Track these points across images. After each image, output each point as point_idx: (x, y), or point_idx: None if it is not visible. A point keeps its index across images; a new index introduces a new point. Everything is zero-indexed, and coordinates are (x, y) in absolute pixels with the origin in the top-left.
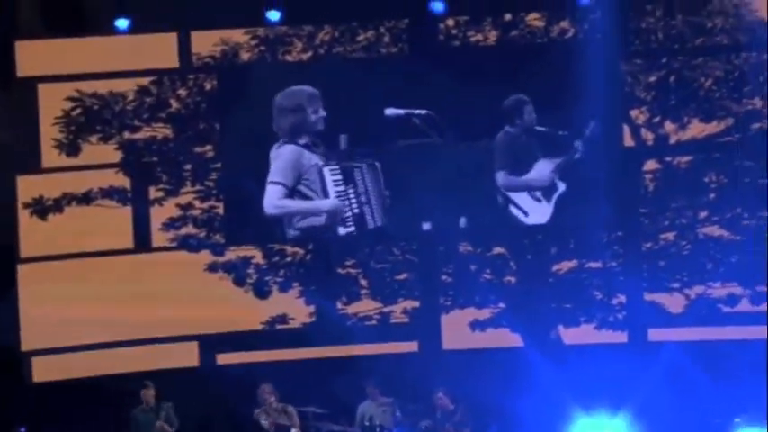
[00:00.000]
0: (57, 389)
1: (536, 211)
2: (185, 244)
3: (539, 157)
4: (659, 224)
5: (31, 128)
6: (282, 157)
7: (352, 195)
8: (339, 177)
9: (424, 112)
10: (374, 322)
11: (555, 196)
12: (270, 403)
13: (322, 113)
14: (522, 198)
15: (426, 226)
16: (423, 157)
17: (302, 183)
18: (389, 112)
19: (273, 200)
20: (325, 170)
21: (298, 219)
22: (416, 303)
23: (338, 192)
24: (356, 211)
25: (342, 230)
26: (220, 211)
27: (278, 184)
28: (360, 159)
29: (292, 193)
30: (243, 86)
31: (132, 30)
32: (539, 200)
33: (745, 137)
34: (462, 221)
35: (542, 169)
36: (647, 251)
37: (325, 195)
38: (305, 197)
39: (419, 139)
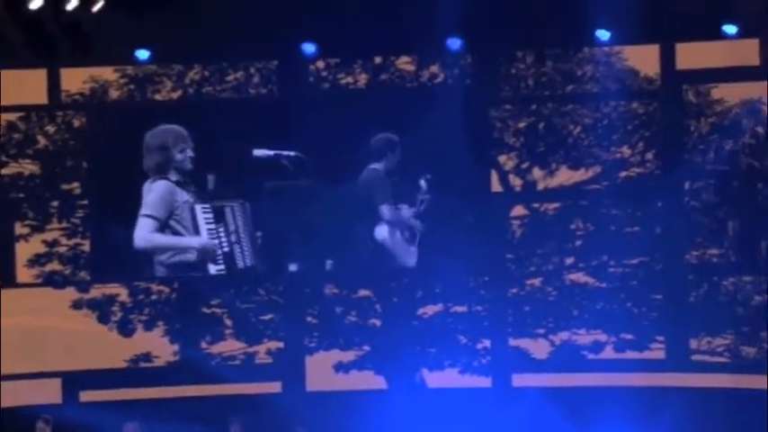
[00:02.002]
0: None
1: (408, 254)
2: (50, 280)
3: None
4: (525, 270)
5: None
6: (155, 191)
7: (222, 234)
8: (210, 216)
9: (292, 153)
10: (238, 362)
11: (417, 240)
12: None
13: (189, 153)
14: (395, 239)
15: (293, 267)
16: (290, 199)
17: (173, 218)
18: (258, 152)
19: (144, 233)
20: (197, 208)
21: (168, 255)
22: (281, 344)
23: (209, 230)
24: (226, 249)
25: (212, 269)
26: (86, 248)
27: (149, 217)
28: (231, 199)
29: (163, 227)
30: (112, 124)
31: (1, 65)
32: (408, 242)
33: (612, 185)
34: (328, 264)
35: (408, 212)
36: (512, 296)
37: (197, 233)
38: (176, 233)
39: (287, 180)
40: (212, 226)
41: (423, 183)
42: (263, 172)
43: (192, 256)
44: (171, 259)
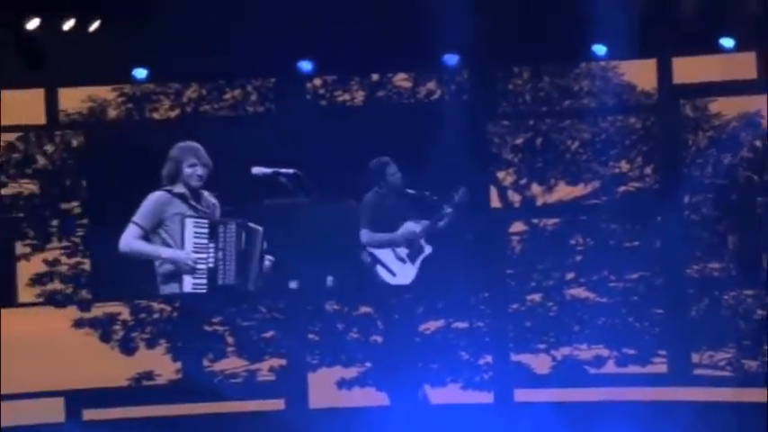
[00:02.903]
0: None
1: (402, 272)
2: (52, 300)
3: (407, 219)
4: (526, 285)
5: None
6: (148, 199)
7: (211, 250)
8: (203, 231)
9: (291, 171)
10: (240, 380)
11: (420, 258)
12: None
13: (198, 171)
14: (388, 258)
15: (293, 284)
16: (289, 216)
17: (163, 228)
18: (256, 170)
19: (127, 238)
20: (188, 221)
21: (157, 264)
22: (283, 361)
23: (197, 244)
24: (211, 266)
25: (188, 283)
26: (87, 267)
27: (134, 224)
28: (230, 218)
29: (149, 236)
30: (110, 143)
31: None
32: (403, 260)
33: (611, 200)
34: (329, 280)
35: (408, 230)
36: (513, 312)
37: (182, 245)
38: (164, 243)
39: (286, 198)
40: (203, 240)
41: (457, 196)
42: (261, 190)
43: (170, 267)
44: (159, 269)
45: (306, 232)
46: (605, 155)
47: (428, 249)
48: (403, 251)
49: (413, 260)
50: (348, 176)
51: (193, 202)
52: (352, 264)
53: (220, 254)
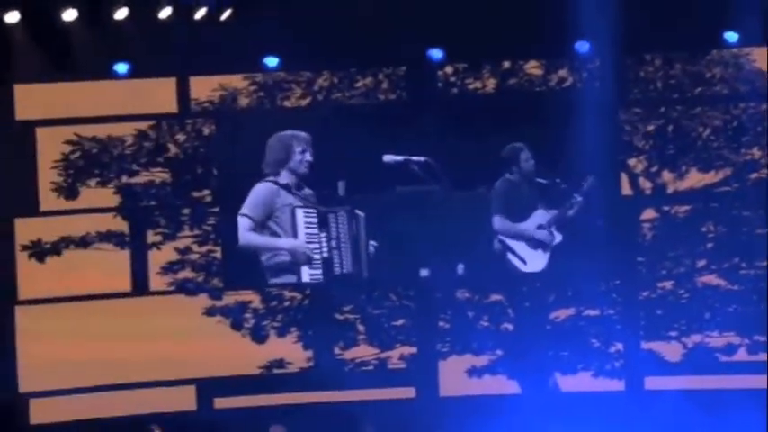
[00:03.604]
0: (55, 431)
1: (533, 260)
2: (183, 288)
3: (537, 207)
4: (657, 273)
5: (30, 171)
6: (255, 192)
7: (324, 240)
8: (313, 221)
9: (422, 159)
10: (371, 368)
11: (551, 246)
12: None
13: (308, 157)
14: (519, 246)
15: (424, 272)
16: (420, 204)
17: (273, 220)
18: (387, 158)
19: (241, 231)
20: (298, 211)
21: (267, 257)
22: (414, 349)
23: (309, 234)
24: (326, 255)
25: (306, 273)
26: (218, 255)
27: (244, 216)
28: (338, 207)
29: (261, 228)
30: (241, 131)
31: (132, 74)
32: (535, 248)
33: (743, 187)
34: (460, 268)
35: (539, 219)
36: (644, 299)
37: (295, 236)
38: (274, 234)
39: (417, 186)
40: (314, 230)
41: (585, 185)
42: (393, 178)
43: (285, 258)
44: (269, 261)
45: (436, 220)
46: (737, 142)
47: (558, 237)
48: (534, 239)
49: (544, 248)
50: (479, 164)
51: (297, 192)
52: (483, 252)
53: (333, 242)
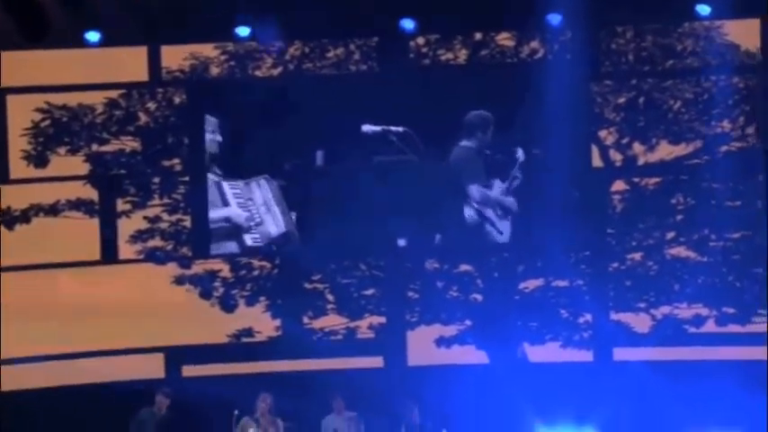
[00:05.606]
0: (26, 398)
1: (505, 230)
2: (152, 256)
3: (494, 177)
4: (626, 244)
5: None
6: None
7: (252, 206)
8: (239, 191)
9: (400, 128)
10: (340, 337)
11: (509, 216)
12: (263, 413)
13: (218, 138)
14: (493, 215)
15: (402, 242)
16: (396, 174)
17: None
18: (366, 128)
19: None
20: (224, 184)
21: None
22: (383, 319)
23: (239, 204)
24: (258, 220)
25: (248, 239)
26: (188, 224)
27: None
28: (257, 175)
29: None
30: (212, 101)
31: (103, 43)
32: (504, 218)
33: (713, 159)
34: (438, 238)
35: (498, 189)
36: (613, 271)
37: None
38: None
39: (395, 155)
40: (242, 200)
41: (519, 156)
42: (371, 147)
43: (225, 225)
44: (215, 231)
45: (411, 190)
46: (707, 114)
47: (515, 207)
48: (498, 210)
49: (508, 218)
50: (450, 135)
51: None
52: (453, 222)
53: (263, 208)
